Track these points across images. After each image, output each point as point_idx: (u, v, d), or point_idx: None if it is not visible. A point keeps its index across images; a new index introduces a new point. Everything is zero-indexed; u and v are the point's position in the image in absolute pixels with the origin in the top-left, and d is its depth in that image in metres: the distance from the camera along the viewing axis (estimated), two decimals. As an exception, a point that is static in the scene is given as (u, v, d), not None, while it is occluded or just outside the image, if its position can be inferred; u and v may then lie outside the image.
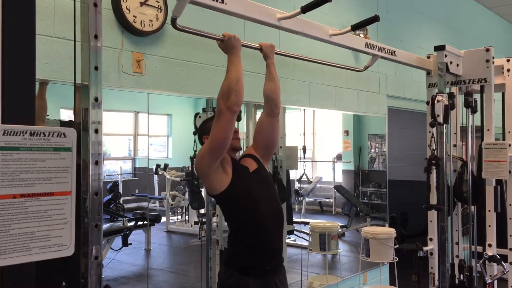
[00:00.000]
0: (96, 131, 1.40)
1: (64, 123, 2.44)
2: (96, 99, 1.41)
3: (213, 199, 3.61)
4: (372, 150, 5.67)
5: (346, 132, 5.92)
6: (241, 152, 2.48)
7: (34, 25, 1.14)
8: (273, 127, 2.39)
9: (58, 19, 2.21)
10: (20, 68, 1.11)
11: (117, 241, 4.57)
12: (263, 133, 2.40)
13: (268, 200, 2.25)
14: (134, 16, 2.49)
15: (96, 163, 1.38)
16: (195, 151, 3.51)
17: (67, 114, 2.74)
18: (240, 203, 2.18)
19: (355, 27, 2.47)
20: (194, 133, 3.38)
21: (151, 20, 2.57)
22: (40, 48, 2.13)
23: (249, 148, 2.51)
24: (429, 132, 3.03)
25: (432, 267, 3.20)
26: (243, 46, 2.22)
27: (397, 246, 3.58)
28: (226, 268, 2.21)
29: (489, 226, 3.18)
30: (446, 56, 3.09)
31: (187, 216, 6.26)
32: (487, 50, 3.21)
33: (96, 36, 1.41)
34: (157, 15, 2.60)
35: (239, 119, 3.28)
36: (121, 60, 2.46)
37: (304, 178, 5.70)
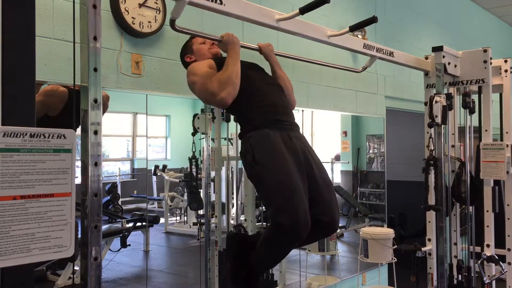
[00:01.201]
0: (96, 132, 1.40)
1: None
2: (95, 101, 1.41)
3: (212, 200, 3.63)
4: (371, 151, 5.67)
5: (345, 133, 5.93)
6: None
7: (34, 26, 1.14)
8: None
9: (57, 20, 2.21)
10: (20, 70, 1.11)
11: (116, 242, 4.57)
12: None
13: (260, 76, 2.27)
14: (132, 17, 2.49)
15: (96, 164, 1.38)
16: (193, 152, 3.52)
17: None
18: None
19: (353, 28, 2.48)
20: (193, 134, 3.38)
21: (149, 22, 2.57)
22: (39, 49, 2.14)
23: None
24: (427, 132, 3.04)
25: (430, 268, 3.21)
26: (242, 47, 2.23)
27: (395, 246, 3.59)
28: (242, 138, 2.13)
29: (487, 226, 3.19)
30: (444, 57, 3.10)
31: (185, 217, 6.26)
32: (485, 51, 3.22)
33: (95, 38, 1.41)
34: (155, 16, 2.60)
35: (228, 120, 3.27)
36: (119, 61, 2.46)
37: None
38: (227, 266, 2.23)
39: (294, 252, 4.24)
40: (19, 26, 1.12)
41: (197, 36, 2.30)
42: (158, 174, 6.08)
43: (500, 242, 3.31)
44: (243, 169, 2.19)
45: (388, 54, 2.96)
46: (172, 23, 2.00)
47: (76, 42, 1.45)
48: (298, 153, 2.05)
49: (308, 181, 2.03)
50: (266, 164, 1.97)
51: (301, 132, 2.26)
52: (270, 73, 2.42)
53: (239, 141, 2.25)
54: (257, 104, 2.13)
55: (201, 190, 4.32)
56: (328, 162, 6.26)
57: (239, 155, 2.17)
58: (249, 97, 2.13)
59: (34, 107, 1.13)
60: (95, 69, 1.41)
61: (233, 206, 3.42)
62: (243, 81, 2.11)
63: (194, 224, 5.56)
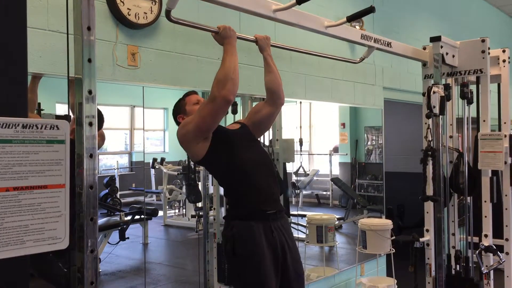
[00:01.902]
0: (90, 124, 1.39)
1: (59, 118, 2.43)
2: (90, 92, 1.40)
3: (210, 192, 3.62)
4: (369, 143, 5.67)
5: (343, 124, 5.92)
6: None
7: (25, 15, 1.13)
8: (271, 115, 2.43)
9: (52, 12, 2.19)
10: (12, 60, 1.10)
11: (115, 235, 4.57)
12: (259, 116, 2.42)
13: (251, 152, 2.29)
14: (128, 8, 2.47)
15: (91, 156, 1.37)
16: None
17: (63, 109, 2.73)
18: (223, 160, 2.21)
19: (351, 19, 2.46)
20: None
21: (145, 13, 2.55)
22: (34, 41, 2.12)
23: (237, 120, 2.55)
24: (425, 123, 3.03)
25: (428, 258, 3.21)
26: (238, 38, 2.22)
27: (393, 237, 3.59)
28: (227, 222, 2.24)
29: (485, 216, 3.20)
30: (442, 47, 3.09)
31: (184, 210, 6.27)
32: (483, 41, 3.20)
33: (89, 28, 1.40)
34: (151, 7, 2.58)
35: (235, 112, 3.28)
36: (115, 53, 2.44)
37: (301, 171, 5.70)
38: None
39: (292, 244, 4.24)
40: (10, 15, 1.10)
41: (193, 27, 2.28)
42: (156, 167, 6.08)
43: (498, 232, 3.32)
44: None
45: (386, 45, 2.95)
46: (168, 13, 1.99)
47: (70, 34, 1.44)
48: (276, 247, 2.18)
49: (281, 275, 2.21)
50: (244, 260, 2.14)
51: (285, 216, 2.36)
52: (263, 66, 2.42)
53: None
54: (246, 191, 2.22)
55: (199, 183, 4.32)
56: (327, 154, 6.26)
57: (220, 234, 2.31)
58: (238, 181, 2.22)
59: (26, 98, 1.12)
60: (89, 60, 1.40)
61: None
62: (233, 160, 2.20)
63: (193, 216, 5.56)
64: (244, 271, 2.14)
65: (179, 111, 2.35)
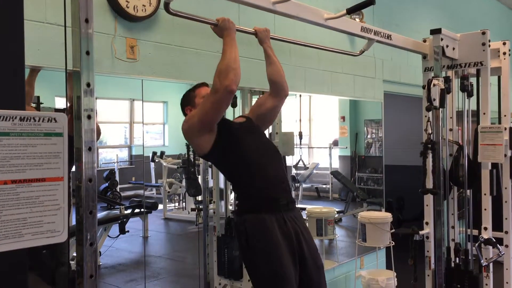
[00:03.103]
0: (89, 117, 1.38)
1: (58, 112, 2.42)
2: (88, 85, 1.39)
3: (210, 185, 3.62)
4: (369, 136, 5.66)
5: (343, 118, 5.92)
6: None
7: (22, 6, 1.12)
8: (275, 107, 2.41)
9: (49, 4, 2.17)
10: (9, 52, 1.09)
11: (115, 228, 4.58)
12: (263, 109, 2.41)
13: (257, 143, 2.26)
14: (127, 1, 2.45)
15: (90, 149, 1.37)
16: (190, 138, 3.50)
17: (62, 103, 2.71)
18: (229, 153, 2.18)
19: (351, 11, 2.45)
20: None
21: (144, 5, 2.53)
22: (32, 34, 2.11)
23: (243, 114, 2.53)
24: (425, 116, 3.02)
25: (428, 251, 3.22)
26: (237, 31, 2.20)
27: (393, 230, 3.60)
28: (239, 217, 2.18)
29: (485, 209, 3.20)
30: (442, 39, 3.07)
31: (184, 203, 6.28)
32: (483, 33, 3.19)
33: (87, 20, 1.39)
34: (150, 0, 2.56)
35: (234, 105, 3.27)
36: (114, 46, 2.43)
37: (300, 164, 5.71)
38: None
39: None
40: (6, 7, 1.09)
41: (192, 19, 2.27)
42: (156, 160, 6.09)
43: (497, 225, 3.32)
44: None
45: (386, 37, 2.93)
46: (167, 6, 1.97)
47: (67, 26, 1.43)
48: (291, 238, 2.12)
49: (300, 265, 2.13)
50: (259, 252, 2.08)
51: (297, 208, 2.31)
52: (264, 59, 2.40)
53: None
54: (255, 182, 2.16)
55: (199, 176, 4.33)
56: (326, 148, 6.26)
57: (234, 229, 2.22)
58: (247, 172, 2.17)
59: (23, 91, 1.11)
60: (87, 53, 1.39)
61: (231, 192, 3.42)
62: (240, 151, 2.16)
63: (193, 210, 5.57)
64: (261, 263, 2.07)
65: (187, 102, 2.30)
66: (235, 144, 2.17)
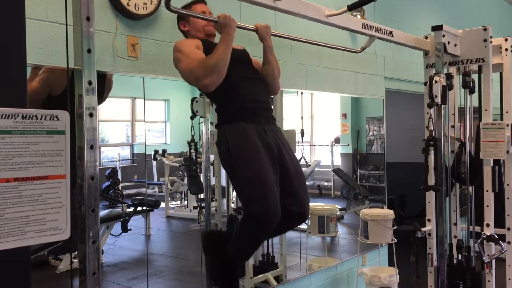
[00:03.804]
0: (91, 115, 1.38)
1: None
2: (89, 83, 1.39)
3: (212, 183, 3.62)
4: (370, 133, 5.66)
5: (344, 115, 5.91)
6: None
7: (24, 5, 1.12)
8: None
9: (51, 2, 2.18)
10: (11, 51, 1.09)
11: (117, 227, 4.59)
12: None
13: (245, 68, 2.28)
14: (127, -1, 2.45)
15: (92, 147, 1.37)
16: (192, 135, 3.51)
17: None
18: None
19: (352, 7, 2.45)
20: (192, 118, 3.37)
21: (145, 3, 2.53)
22: (34, 32, 2.11)
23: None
24: (427, 113, 3.02)
25: (430, 248, 3.22)
26: (238, 27, 2.20)
27: (395, 227, 3.60)
28: (219, 128, 2.20)
29: (487, 206, 3.19)
30: (443, 36, 3.07)
31: (186, 201, 6.28)
32: (485, 29, 3.18)
33: (88, 19, 1.39)
34: (151, -2, 2.56)
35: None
36: (115, 44, 2.43)
37: (302, 161, 5.70)
38: (206, 263, 2.30)
39: (294, 235, 4.25)
40: (8, 6, 1.09)
41: (193, 17, 2.27)
42: (158, 158, 6.08)
43: (499, 221, 3.32)
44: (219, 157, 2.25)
45: (387, 34, 2.93)
46: (167, 3, 1.97)
47: (69, 25, 1.43)
48: (271, 146, 2.13)
49: (281, 173, 2.12)
50: (240, 157, 2.07)
51: (277, 124, 2.32)
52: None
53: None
54: (236, 98, 2.18)
55: (201, 174, 4.32)
56: (328, 145, 6.25)
57: (216, 142, 2.24)
58: (228, 90, 2.17)
59: (26, 89, 1.11)
60: (89, 51, 1.39)
61: (233, 190, 3.42)
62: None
63: (195, 208, 5.56)
64: (241, 167, 2.07)
65: (182, 17, 2.37)
66: None
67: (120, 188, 5.80)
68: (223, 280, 2.19)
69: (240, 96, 2.18)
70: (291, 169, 2.18)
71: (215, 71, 2.03)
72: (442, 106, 2.96)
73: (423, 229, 3.13)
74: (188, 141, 3.79)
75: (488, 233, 3.17)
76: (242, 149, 2.08)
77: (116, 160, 6.19)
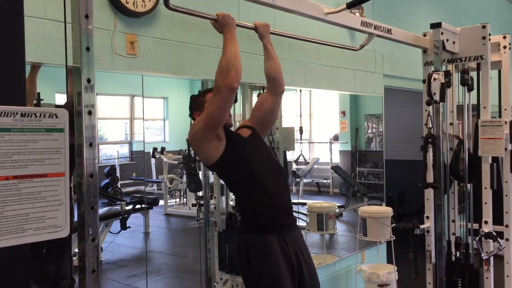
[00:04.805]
0: (90, 113, 1.38)
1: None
2: (88, 81, 1.39)
3: (211, 181, 3.63)
4: (369, 131, 5.67)
5: (343, 112, 5.92)
6: (232, 128, 2.47)
7: (22, 2, 1.12)
8: (274, 106, 2.40)
9: (50, 1, 2.17)
10: (9, 49, 1.09)
11: (116, 224, 4.59)
12: (263, 111, 2.40)
13: (264, 161, 2.26)
14: (126, -4, 2.45)
15: (90, 145, 1.37)
16: (191, 133, 3.49)
17: (62, 99, 2.71)
18: (236, 167, 2.18)
19: (351, 5, 2.45)
20: (190, 116, 3.36)
21: (143, 1, 2.53)
22: (32, 30, 2.10)
23: (245, 121, 2.53)
24: (426, 110, 3.02)
25: (429, 245, 3.22)
26: (237, 26, 2.20)
27: (394, 224, 3.60)
28: (240, 235, 2.21)
29: (485, 203, 3.20)
30: (442, 33, 3.07)
31: (185, 199, 6.29)
32: (484, 27, 3.18)
33: (86, 16, 1.39)
34: (149, -5, 2.56)
35: (235, 100, 3.26)
36: (114, 41, 2.43)
37: (301, 159, 5.71)
38: None
39: (293, 232, 4.26)
40: (6, 3, 1.09)
41: (191, 15, 2.26)
42: (157, 156, 6.09)
43: (498, 218, 3.33)
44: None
45: (386, 32, 2.93)
46: (166, 1, 1.97)
47: (67, 22, 1.43)
48: (291, 259, 2.16)
49: (298, 284, 2.19)
50: (260, 273, 2.11)
51: (298, 227, 2.34)
52: (263, 53, 2.40)
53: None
54: (259, 200, 2.18)
55: (200, 172, 4.33)
56: (327, 143, 6.26)
57: (235, 247, 2.26)
58: (252, 189, 2.18)
59: (24, 87, 1.12)
60: (88, 48, 1.39)
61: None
62: (247, 168, 2.16)
63: (193, 205, 5.58)
64: (261, 283, 2.12)
65: (196, 107, 2.28)
66: (243, 159, 2.18)
67: (119, 186, 5.81)
68: None
69: (264, 202, 2.17)
70: (306, 278, 2.22)
71: (230, 67, 2.00)
72: (441, 103, 2.96)
73: (421, 226, 3.13)
74: (187, 138, 3.79)
75: (486, 230, 3.18)
76: (263, 265, 2.10)
77: (115, 158, 6.20)
